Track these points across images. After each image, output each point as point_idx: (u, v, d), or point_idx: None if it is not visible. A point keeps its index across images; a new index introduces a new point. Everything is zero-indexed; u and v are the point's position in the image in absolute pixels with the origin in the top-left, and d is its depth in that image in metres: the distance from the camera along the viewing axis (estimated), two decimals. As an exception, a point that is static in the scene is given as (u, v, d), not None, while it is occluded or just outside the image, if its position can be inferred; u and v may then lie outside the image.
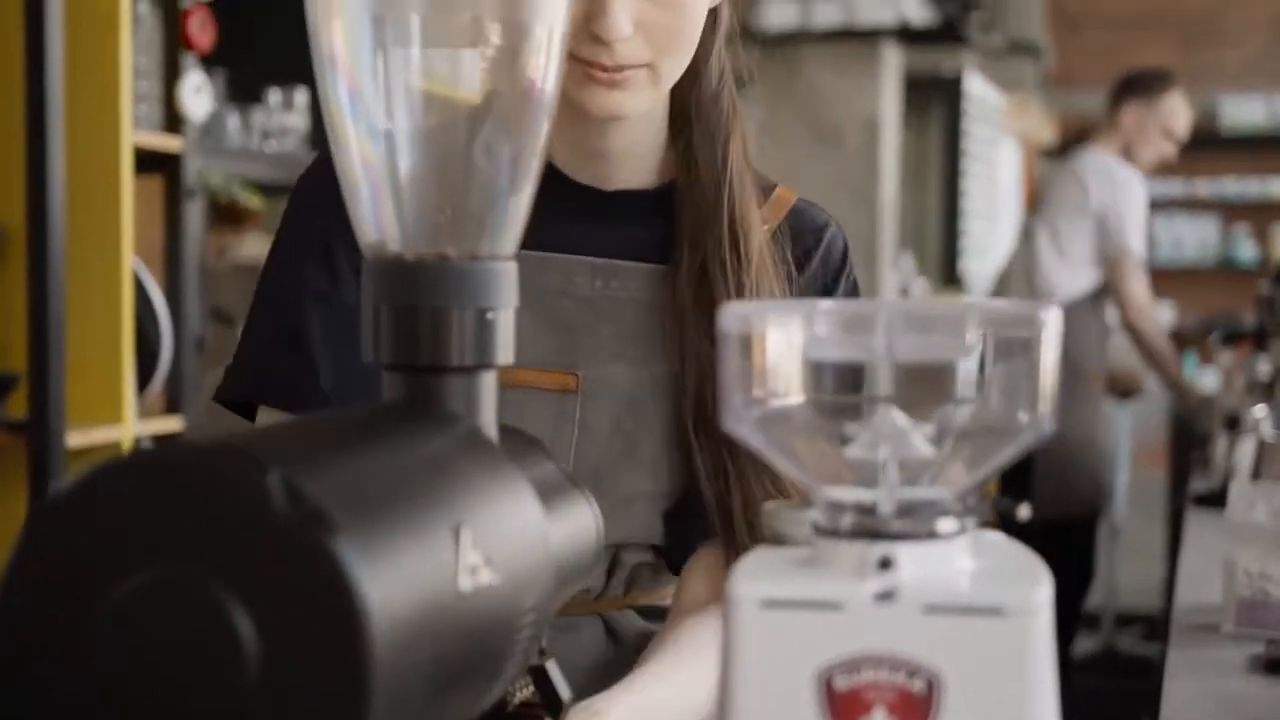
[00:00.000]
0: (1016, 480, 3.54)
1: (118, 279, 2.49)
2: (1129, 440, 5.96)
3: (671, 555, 1.27)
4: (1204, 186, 8.98)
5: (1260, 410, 2.89)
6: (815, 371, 0.65)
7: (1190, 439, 4.54)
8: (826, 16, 5.39)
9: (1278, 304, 3.84)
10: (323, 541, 0.52)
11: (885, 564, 0.62)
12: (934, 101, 6.99)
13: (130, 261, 2.50)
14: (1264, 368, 3.97)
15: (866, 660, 0.61)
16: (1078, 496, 4.09)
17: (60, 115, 2.38)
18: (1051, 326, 0.63)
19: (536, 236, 1.18)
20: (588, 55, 1.13)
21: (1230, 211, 9.01)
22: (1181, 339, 8.87)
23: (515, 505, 0.69)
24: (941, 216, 7.14)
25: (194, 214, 2.70)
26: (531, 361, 1.19)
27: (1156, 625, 4.93)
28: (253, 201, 2.93)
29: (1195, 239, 9.06)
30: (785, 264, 1.25)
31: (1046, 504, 3.95)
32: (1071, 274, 4.15)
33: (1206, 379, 5.81)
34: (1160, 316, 4.59)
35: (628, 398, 1.21)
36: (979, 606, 0.60)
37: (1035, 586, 0.62)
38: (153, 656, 0.52)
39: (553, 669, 0.75)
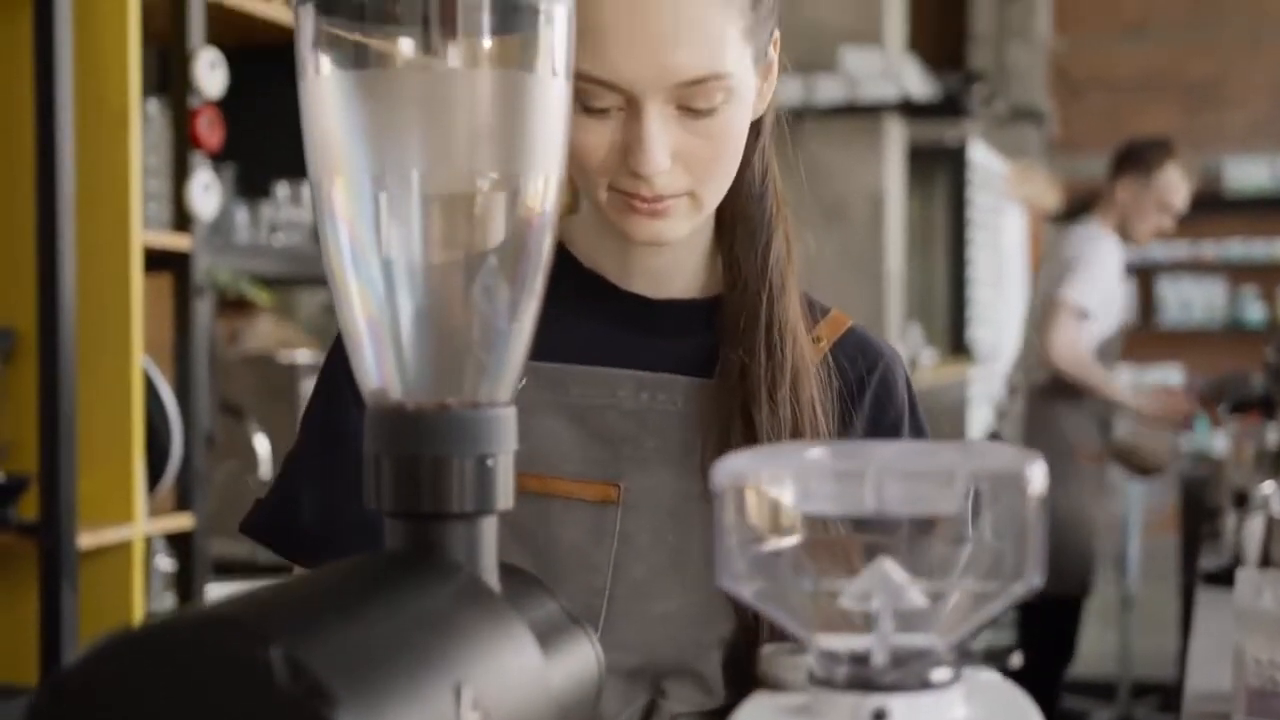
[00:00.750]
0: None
1: (128, 379, 2.51)
2: (1140, 508, 5.95)
3: (720, 690, 1.20)
4: (1210, 249, 9.02)
5: (1269, 486, 2.89)
6: (808, 523, 0.66)
7: (1200, 509, 4.53)
8: (829, 93, 5.44)
9: (1284, 375, 3.85)
10: (325, 717, 0.54)
11: (880, 716, 0.63)
12: (938, 170, 7.03)
13: (140, 361, 2.53)
14: (1273, 436, 3.97)
15: (862, 816, 0.61)
16: (1066, 574, 4.09)
17: (71, 216, 2.41)
18: (1037, 481, 0.64)
19: (585, 348, 1.20)
20: (628, 187, 1.11)
21: (1237, 273, 9.05)
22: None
23: (515, 655, 0.70)
24: (948, 285, 7.16)
25: (203, 311, 2.73)
26: (573, 473, 1.17)
27: (1171, 695, 4.90)
28: (260, 298, 2.96)
29: (1203, 301, 9.08)
30: (831, 385, 1.21)
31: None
32: None
33: (1217, 443, 5.80)
34: (1120, 377, 4.55)
35: (670, 510, 1.18)
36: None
37: (1027, 739, 0.62)
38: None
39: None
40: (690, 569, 1.17)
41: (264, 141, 2.72)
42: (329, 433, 1.22)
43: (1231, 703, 1.79)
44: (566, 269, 1.21)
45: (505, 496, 0.74)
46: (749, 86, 1.14)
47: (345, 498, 1.14)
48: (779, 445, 0.69)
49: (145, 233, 2.59)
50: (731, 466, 0.66)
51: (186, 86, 2.73)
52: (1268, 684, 1.79)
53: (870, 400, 1.24)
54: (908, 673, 0.64)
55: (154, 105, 2.75)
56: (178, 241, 2.70)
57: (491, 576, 0.74)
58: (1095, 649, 5.67)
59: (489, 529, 0.74)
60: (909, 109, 5.62)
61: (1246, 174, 8.95)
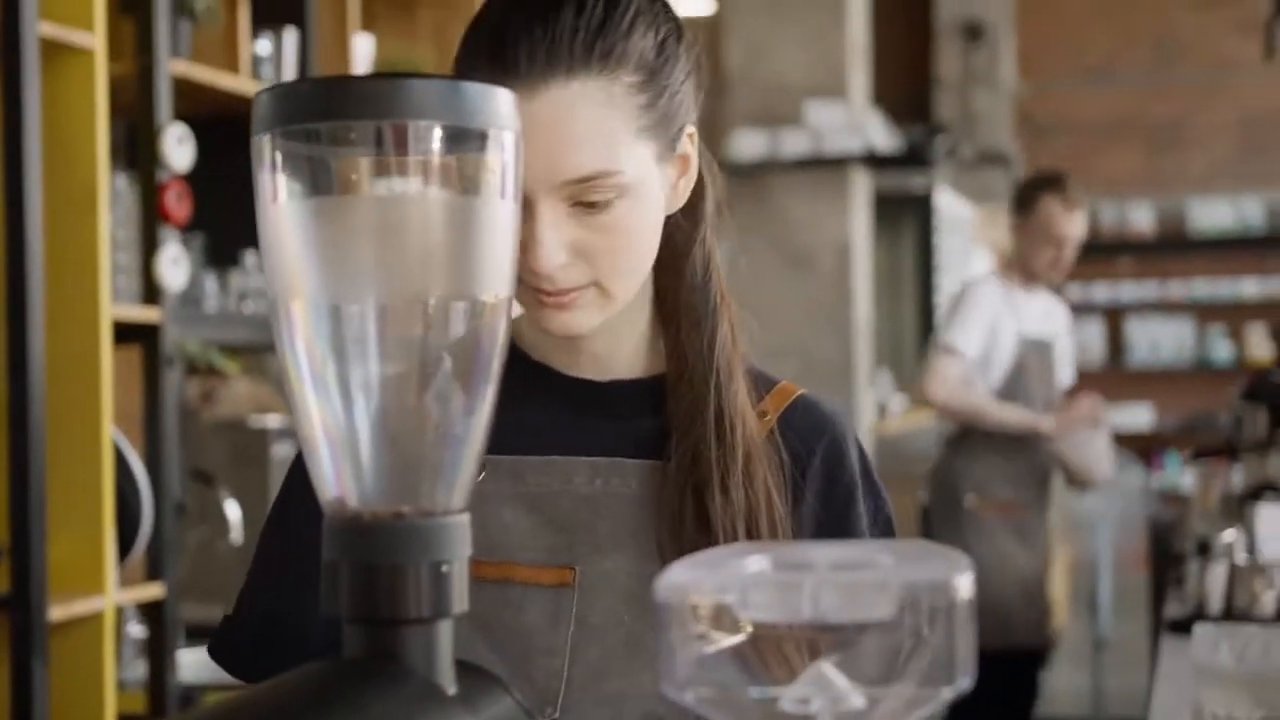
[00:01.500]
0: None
1: (98, 451, 2.52)
2: (1110, 549, 5.99)
3: None
4: (1177, 289, 9.10)
5: (1229, 535, 2.92)
6: (750, 628, 0.69)
7: (1168, 552, 4.56)
8: (795, 146, 5.50)
9: (1246, 421, 3.89)
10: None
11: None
12: (905, 217, 7.10)
13: (110, 433, 2.54)
14: (1238, 479, 4.00)
15: None
16: (1010, 627, 4.10)
17: (40, 289, 2.43)
18: (964, 588, 0.67)
19: (539, 437, 1.24)
20: (533, 282, 1.15)
21: (1204, 312, 9.13)
22: (1161, 441, 8.94)
23: (470, 761, 0.72)
24: (917, 331, 7.22)
25: (172, 382, 2.75)
26: (530, 560, 1.20)
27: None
28: (230, 368, 2.98)
29: (1171, 341, 9.16)
30: (783, 461, 1.23)
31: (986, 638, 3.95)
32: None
33: (1185, 480, 5.84)
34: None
35: (626, 593, 1.20)
36: None
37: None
38: None
39: None
40: (646, 649, 1.19)
41: (232, 210, 2.74)
42: (282, 556, 1.26)
43: (1192, 757, 1.82)
44: (516, 362, 1.24)
45: (460, 600, 0.77)
46: (648, 182, 1.17)
47: (299, 621, 1.19)
48: (721, 551, 0.72)
49: (114, 306, 2.62)
50: (674, 579, 0.69)
51: (155, 161, 2.76)
52: (1225, 740, 1.82)
53: (819, 470, 1.26)
54: (846, 774, 0.67)
55: (122, 180, 2.77)
56: (147, 314, 2.72)
57: (447, 679, 0.77)
58: (1068, 689, 5.70)
59: (445, 632, 0.77)
60: (874, 161, 5.69)
61: (1210, 214, 9.04)
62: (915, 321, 7.25)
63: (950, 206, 7.38)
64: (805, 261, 5.59)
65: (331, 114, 0.74)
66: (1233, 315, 9.08)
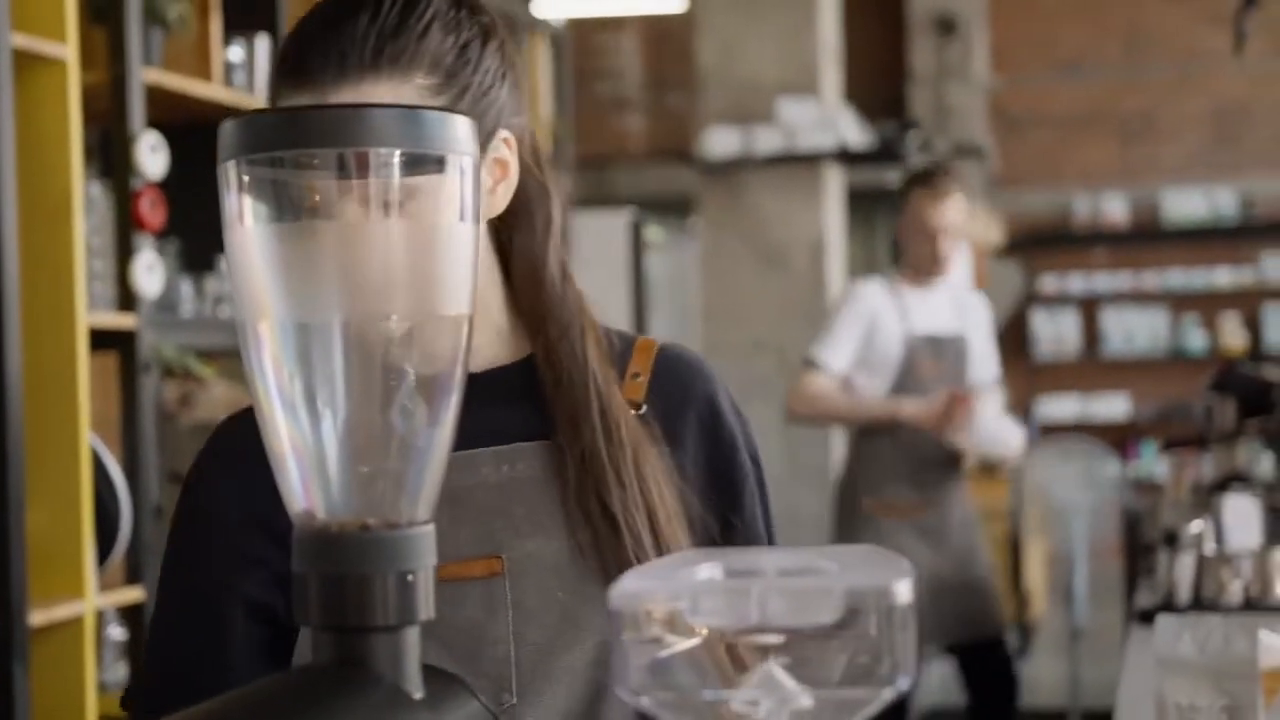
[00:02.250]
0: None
1: (75, 457, 2.55)
2: (1086, 538, 6.04)
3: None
4: (1151, 279, 9.16)
5: (1197, 525, 2.96)
6: (702, 639, 0.72)
7: (1140, 541, 4.61)
8: (768, 143, 5.53)
9: (1215, 412, 3.93)
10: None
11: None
12: (879, 212, 7.15)
13: (88, 439, 2.56)
14: (1208, 469, 4.04)
15: None
16: (969, 620, 4.09)
17: (16, 298, 2.45)
18: (903, 594, 0.70)
19: None
20: None
21: (1178, 302, 9.19)
22: (1137, 430, 9.00)
23: (435, 763, 0.75)
24: (893, 325, 7.25)
25: (149, 388, 2.77)
26: (456, 555, 1.23)
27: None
28: (206, 372, 3.01)
29: (1146, 330, 9.22)
30: (658, 436, 1.31)
31: (946, 633, 3.97)
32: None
33: (1159, 469, 5.89)
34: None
35: (554, 570, 1.26)
36: None
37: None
38: None
39: None
40: (583, 621, 1.25)
41: (206, 216, 2.76)
42: (191, 597, 1.28)
43: (1155, 749, 1.84)
44: None
45: (426, 607, 0.80)
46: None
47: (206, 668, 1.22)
48: (673, 560, 0.76)
49: (90, 313, 2.64)
50: (628, 587, 0.72)
51: (128, 169, 2.78)
52: (1187, 729, 1.85)
53: (695, 424, 1.34)
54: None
55: (96, 188, 2.79)
56: (123, 321, 2.74)
57: (414, 684, 0.80)
58: (1045, 678, 5.75)
59: (411, 639, 0.80)
60: (847, 157, 5.72)
61: (1183, 205, 9.10)
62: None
63: (924, 200, 7.40)
64: (779, 258, 5.62)
65: (295, 142, 0.77)
66: (1206, 305, 9.14)
